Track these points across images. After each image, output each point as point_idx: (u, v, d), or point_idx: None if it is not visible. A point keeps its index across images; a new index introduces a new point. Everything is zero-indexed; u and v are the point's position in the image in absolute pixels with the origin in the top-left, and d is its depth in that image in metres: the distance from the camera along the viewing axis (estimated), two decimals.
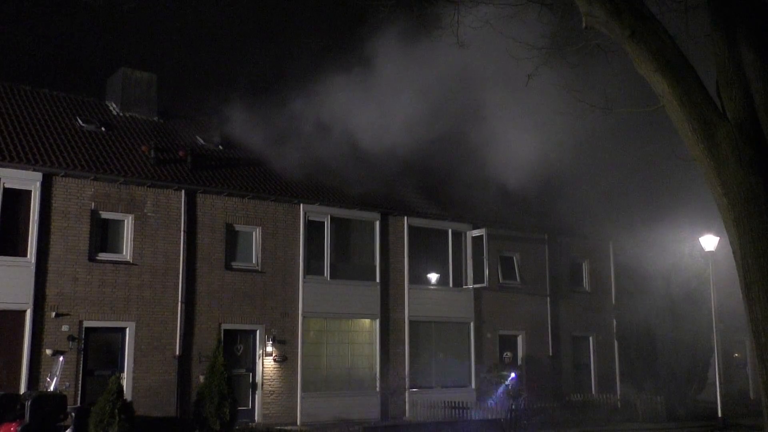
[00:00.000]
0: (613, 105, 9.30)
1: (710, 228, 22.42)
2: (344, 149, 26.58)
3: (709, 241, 22.71)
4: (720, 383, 23.18)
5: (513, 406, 21.95)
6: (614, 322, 27.57)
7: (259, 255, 21.06)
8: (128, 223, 19.15)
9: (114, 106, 23.13)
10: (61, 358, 16.80)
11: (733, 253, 6.69)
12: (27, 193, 17.95)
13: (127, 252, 19.07)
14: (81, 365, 18.00)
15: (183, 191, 19.98)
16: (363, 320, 22.91)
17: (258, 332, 20.76)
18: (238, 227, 20.90)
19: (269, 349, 20.67)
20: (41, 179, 18.04)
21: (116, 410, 14.94)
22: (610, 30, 7.05)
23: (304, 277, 21.63)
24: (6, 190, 17.69)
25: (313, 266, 21.98)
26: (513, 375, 23.10)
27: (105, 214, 18.94)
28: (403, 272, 23.68)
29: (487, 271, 24.56)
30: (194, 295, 19.77)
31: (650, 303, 24.31)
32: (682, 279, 24.15)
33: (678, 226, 23.12)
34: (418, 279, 24.17)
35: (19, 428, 14.16)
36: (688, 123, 6.67)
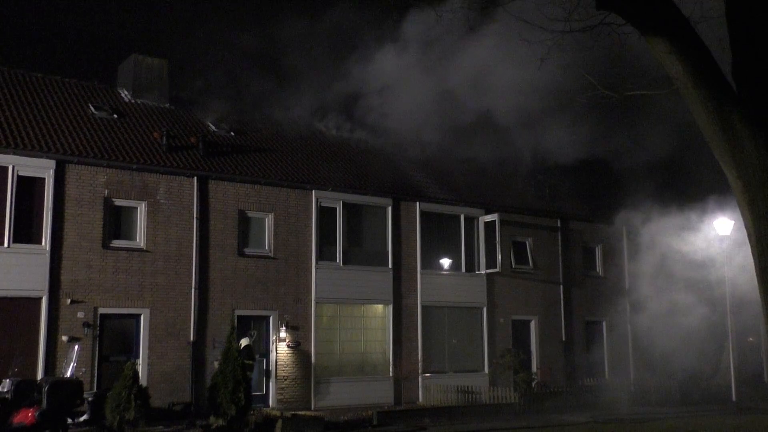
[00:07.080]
0: (625, 87, 9.20)
1: (724, 211, 22.23)
2: (356, 134, 26.59)
3: (723, 225, 22.50)
4: (734, 367, 23.08)
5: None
6: (627, 307, 27.50)
7: (272, 241, 21.09)
8: (141, 210, 19.22)
9: (125, 92, 23.18)
10: (76, 346, 16.93)
11: (748, 236, 6.62)
12: (41, 181, 18.02)
13: (140, 239, 19.15)
14: (96, 351, 18.14)
15: (195, 178, 20.01)
16: (376, 306, 22.93)
17: (271, 318, 20.84)
18: (250, 213, 20.93)
19: (282, 335, 20.75)
20: (54, 167, 18.11)
21: (132, 396, 15.12)
22: (623, 12, 6.97)
23: (316, 263, 21.65)
24: (20, 178, 17.78)
25: (325, 252, 22.00)
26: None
27: (118, 202, 19.01)
28: (416, 257, 23.65)
29: (499, 256, 24.50)
30: (207, 282, 19.85)
31: (664, 287, 24.19)
32: (696, 262, 24.01)
33: (692, 208, 22.96)
34: (431, 264, 24.13)
35: (36, 413, 14.34)
36: (702, 105, 6.58)
